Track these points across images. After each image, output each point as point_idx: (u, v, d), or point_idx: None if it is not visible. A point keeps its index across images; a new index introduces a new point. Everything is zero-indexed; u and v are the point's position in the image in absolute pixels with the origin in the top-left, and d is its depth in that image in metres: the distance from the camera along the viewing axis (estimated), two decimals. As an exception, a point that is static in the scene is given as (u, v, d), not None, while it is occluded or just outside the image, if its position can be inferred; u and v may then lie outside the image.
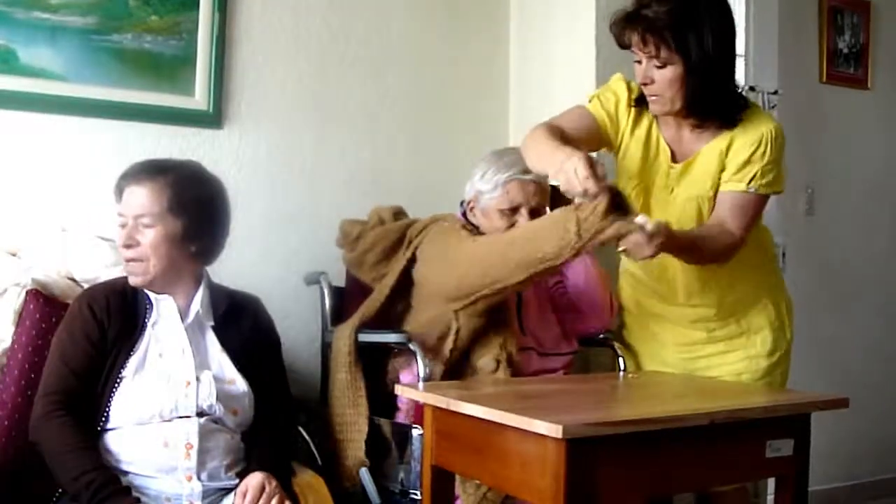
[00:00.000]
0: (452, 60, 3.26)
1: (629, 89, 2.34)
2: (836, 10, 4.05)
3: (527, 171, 2.41)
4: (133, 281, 2.12)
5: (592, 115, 2.34)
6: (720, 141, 2.26)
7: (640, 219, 1.96)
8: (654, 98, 2.23)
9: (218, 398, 2.06)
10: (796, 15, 3.88)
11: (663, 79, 2.17)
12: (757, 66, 3.68)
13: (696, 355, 2.44)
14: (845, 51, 4.09)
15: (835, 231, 4.02)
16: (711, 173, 2.27)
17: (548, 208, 2.59)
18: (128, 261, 2.11)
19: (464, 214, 2.59)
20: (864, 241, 4.13)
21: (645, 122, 2.34)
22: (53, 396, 1.99)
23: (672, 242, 2.03)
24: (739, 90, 2.37)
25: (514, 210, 2.46)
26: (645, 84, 2.21)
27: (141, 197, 2.09)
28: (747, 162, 2.23)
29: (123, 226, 2.11)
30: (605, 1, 2.96)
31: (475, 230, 2.52)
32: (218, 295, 2.23)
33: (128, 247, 2.09)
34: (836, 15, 4.05)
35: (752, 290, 2.40)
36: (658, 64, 2.15)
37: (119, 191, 2.14)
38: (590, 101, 2.38)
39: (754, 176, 2.23)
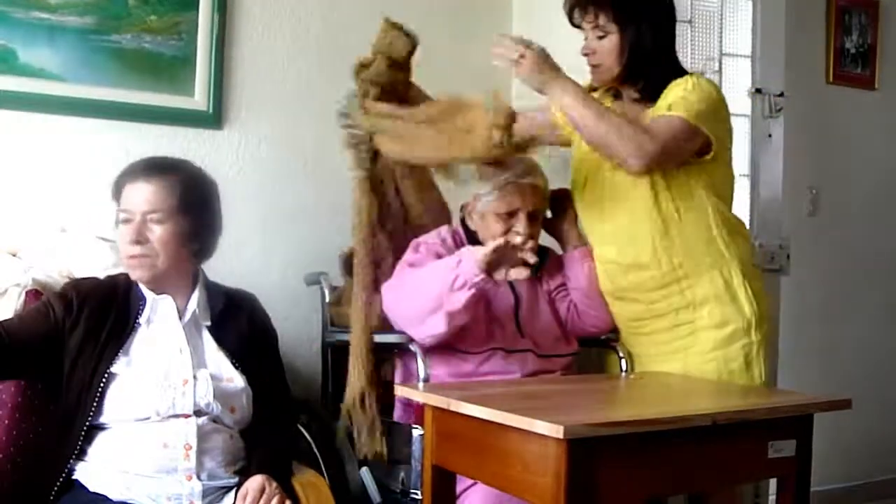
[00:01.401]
0: (453, 60, 3.24)
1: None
2: (844, 10, 4.02)
3: (525, 173, 2.44)
4: (138, 276, 2.12)
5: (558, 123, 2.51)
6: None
7: None
8: (594, 68, 2.38)
9: (215, 396, 2.06)
10: (804, 15, 3.86)
11: (602, 49, 2.34)
12: (763, 67, 3.66)
13: (640, 331, 2.45)
14: (853, 51, 4.07)
15: (838, 232, 4.00)
16: None
17: (548, 212, 2.59)
18: (133, 257, 2.10)
19: (462, 220, 2.58)
20: (867, 242, 4.11)
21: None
22: None
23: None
24: (688, 70, 2.43)
25: (512, 214, 2.45)
26: (587, 54, 2.37)
27: (150, 193, 2.09)
28: (671, 101, 2.28)
29: (127, 222, 2.09)
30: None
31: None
32: (214, 294, 2.23)
33: (137, 243, 2.08)
34: (843, 14, 4.03)
35: (695, 262, 2.35)
36: (599, 34, 2.33)
37: (119, 188, 2.12)
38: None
39: (673, 103, 2.26)
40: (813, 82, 3.91)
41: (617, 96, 2.45)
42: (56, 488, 1.98)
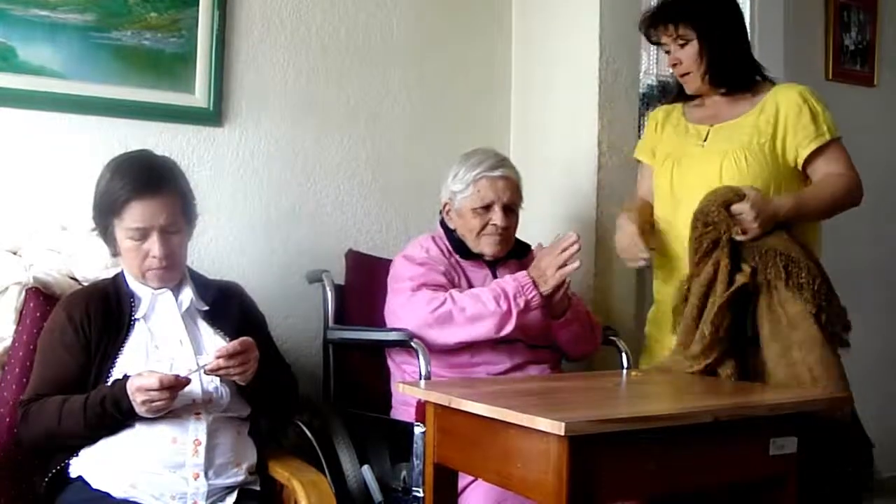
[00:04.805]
0: (454, 59, 3.25)
1: (664, 111, 2.64)
2: (843, 7, 4.03)
3: (495, 167, 2.48)
4: (164, 285, 2.15)
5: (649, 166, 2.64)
6: (758, 107, 2.47)
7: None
8: (685, 78, 2.51)
9: (221, 380, 2.06)
10: (802, 11, 3.86)
11: (687, 56, 2.45)
12: (762, 64, 3.65)
13: None
14: (852, 48, 4.07)
15: (838, 231, 3.98)
16: (753, 129, 2.44)
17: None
18: (159, 269, 2.11)
19: (442, 221, 2.59)
20: (868, 241, 4.09)
21: (674, 114, 2.60)
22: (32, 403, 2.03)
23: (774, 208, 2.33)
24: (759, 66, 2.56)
25: (487, 208, 2.47)
26: (674, 65, 2.50)
27: (162, 207, 2.09)
28: (810, 120, 2.44)
29: (144, 238, 2.09)
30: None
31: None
32: (201, 283, 2.25)
33: (166, 257, 2.10)
34: (842, 11, 4.03)
35: None
36: (681, 42, 2.45)
37: (122, 205, 2.08)
38: (640, 153, 2.69)
39: (820, 127, 2.45)
40: (812, 79, 3.90)
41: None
42: (55, 485, 1.99)
